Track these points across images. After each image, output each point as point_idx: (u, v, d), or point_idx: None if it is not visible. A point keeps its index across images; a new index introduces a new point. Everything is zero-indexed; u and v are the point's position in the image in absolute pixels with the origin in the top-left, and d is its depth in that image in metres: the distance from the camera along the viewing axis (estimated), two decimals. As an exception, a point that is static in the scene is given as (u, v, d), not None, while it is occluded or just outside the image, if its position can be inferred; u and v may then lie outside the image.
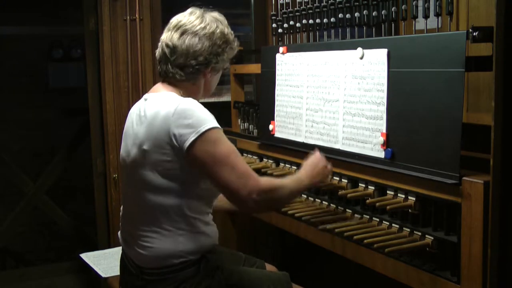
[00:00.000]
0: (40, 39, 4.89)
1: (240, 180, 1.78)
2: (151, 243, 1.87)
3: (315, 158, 2.07)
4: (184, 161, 1.80)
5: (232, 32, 2.02)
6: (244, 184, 1.78)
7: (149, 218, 1.88)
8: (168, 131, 1.80)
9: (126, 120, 2.03)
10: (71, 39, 4.97)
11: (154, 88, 2.00)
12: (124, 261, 2.03)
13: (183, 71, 1.93)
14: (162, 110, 1.83)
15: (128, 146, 1.96)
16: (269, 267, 2.35)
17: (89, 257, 2.77)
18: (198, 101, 1.98)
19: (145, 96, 1.99)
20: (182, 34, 1.91)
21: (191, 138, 1.77)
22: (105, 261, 2.68)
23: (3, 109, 4.79)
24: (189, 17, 1.95)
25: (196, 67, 1.92)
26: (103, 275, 2.55)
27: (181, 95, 1.94)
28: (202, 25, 1.93)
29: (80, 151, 4.66)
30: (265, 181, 1.85)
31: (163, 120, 1.81)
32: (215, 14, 2.00)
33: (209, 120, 1.81)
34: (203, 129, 1.78)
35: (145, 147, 1.85)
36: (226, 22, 2.01)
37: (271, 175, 2.50)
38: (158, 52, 1.99)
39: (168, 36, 1.94)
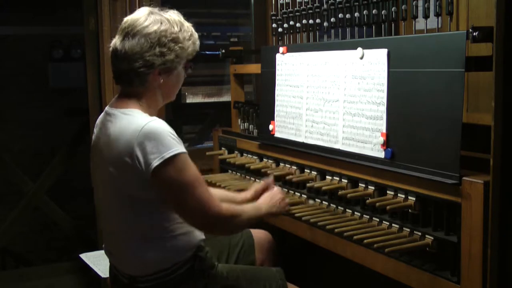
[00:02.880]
0: (40, 39, 4.89)
1: (203, 207, 1.79)
2: (137, 253, 1.86)
3: (274, 191, 2.17)
4: (147, 183, 1.77)
5: (189, 30, 1.91)
6: (207, 211, 1.80)
7: (128, 233, 1.87)
8: (131, 154, 1.74)
9: (94, 132, 1.97)
10: (71, 39, 4.97)
11: (115, 103, 1.92)
12: (114, 272, 2.01)
13: (128, 76, 1.84)
14: (126, 131, 1.77)
15: (95, 161, 1.94)
16: (255, 231, 2.37)
17: (89, 257, 2.77)
18: (159, 107, 1.95)
19: (108, 110, 1.91)
20: (124, 37, 1.84)
21: (155, 163, 1.73)
22: (105, 261, 2.67)
23: (3, 109, 4.79)
24: (134, 17, 1.87)
25: (140, 70, 1.82)
26: (103, 275, 2.55)
27: (141, 106, 1.87)
28: (145, 24, 1.82)
29: (80, 151, 4.66)
30: (226, 208, 1.86)
31: (127, 142, 1.76)
32: (167, 13, 1.89)
33: (174, 145, 1.76)
34: (167, 154, 1.74)
35: (110, 169, 1.81)
36: (179, 19, 1.89)
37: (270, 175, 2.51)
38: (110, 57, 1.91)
39: (114, 40, 1.88)
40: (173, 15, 1.90)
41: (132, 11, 3.22)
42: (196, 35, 1.95)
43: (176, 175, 1.75)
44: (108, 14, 3.26)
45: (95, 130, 1.96)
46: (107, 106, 1.94)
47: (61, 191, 4.77)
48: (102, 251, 2.86)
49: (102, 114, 1.95)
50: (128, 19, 1.88)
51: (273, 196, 2.13)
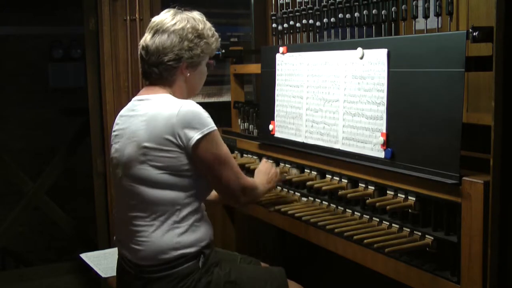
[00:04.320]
0: (40, 39, 4.89)
1: (236, 179, 1.99)
2: (148, 237, 1.92)
3: (265, 166, 2.31)
4: (188, 158, 1.90)
5: (212, 28, 2.08)
6: (239, 183, 2.00)
7: (146, 212, 1.93)
8: (173, 131, 1.88)
9: (115, 124, 2.07)
10: (71, 39, 4.97)
11: (144, 91, 2.05)
12: (121, 264, 2.05)
13: (157, 68, 1.99)
14: (164, 110, 1.90)
15: (121, 146, 1.99)
16: (264, 266, 2.36)
17: (89, 257, 2.77)
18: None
19: (138, 97, 2.04)
20: (154, 33, 2.00)
21: (196, 137, 1.88)
22: (105, 261, 2.68)
23: (3, 109, 4.80)
24: (161, 17, 2.04)
25: (169, 63, 1.98)
26: (103, 275, 2.55)
27: (170, 94, 2.01)
28: (172, 22, 1.99)
29: (80, 151, 4.66)
30: (250, 180, 2.09)
31: (166, 120, 1.88)
32: (191, 13, 2.06)
33: (211, 122, 1.93)
34: (207, 130, 1.90)
35: (146, 144, 1.90)
36: (203, 19, 2.06)
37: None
38: (138, 55, 2.08)
39: (143, 38, 2.04)
40: (196, 15, 2.07)
41: (132, 10, 3.28)
42: (217, 34, 2.12)
43: (214, 148, 1.92)
44: (108, 14, 3.26)
45: (118, 121, 2.07)
46: (134, 97, 2.06)
47: (61, 191, 4.78)
48: (102, 251, 2.88)
49: (129, 104, 2.07)
50: (155, 19, 2.05)
51: (267, 173, 2.26)
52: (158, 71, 1.99)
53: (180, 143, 1.88)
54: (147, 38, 2.02)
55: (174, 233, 1.91)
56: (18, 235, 4.81)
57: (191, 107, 1.91)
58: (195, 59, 2.02)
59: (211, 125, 1.91)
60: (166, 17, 2.02)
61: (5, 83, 4.78)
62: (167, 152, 1.89)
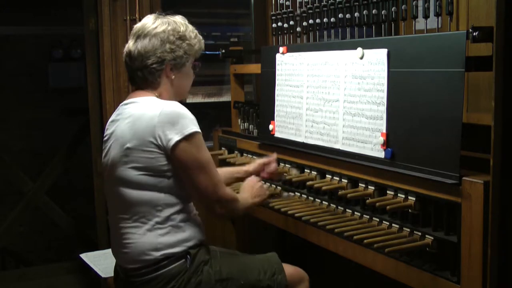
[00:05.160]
0: (40, 39, 4.89)
1: (213, 187, 1.95)
2: (132, 239, 1.92)
3: (251, 180, 2.25)
4: (167, 159, 1.89)
5: (194, 30, 2.09)
6: (215, 192, 1.96)
7: (128, 213, 1.93)
8: (153, 132, 1.88)
9: (105, 129, 2.08)
10: (71, 39, 4.97)
11: (131, 95, 2.06)
12: (116, 269, 2.08)
13: (142, 72, 2.01)
14: (148, 112, 1.91)
15: (108, 149, 2.01)
16: (287, 268, 2.33)
17: (89, 257, 2.77)
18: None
19: (124, 102, 2.05)
20: (136, 39, 2.02)
21: (176, 138, 1.87)
22: (105, 261, 2.68)
23: (4, 109, 4.79)
24: (143, 22, 2.06)
25: (152, 66, 1.99)
26: (103, 275, 2.55)
27: (157, 97, 2.01)
28: (153, 25, 2.01)
29: (80, 151, 4.66)
30: (229, 192, 2.04)
31: (148, 121, 1.89)
32: (173, 16, 2.07)
33: (193, 124, 1.92)
34: (187, 131, 1.89)
35: (128, 145, 1.91)
36: (185, 22, 2.08)
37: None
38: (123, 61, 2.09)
39: (127, 44, 2.06)
40: (178, 18, 2.08)
41: (132, 10, 3.28)
42: (200, 36, 2.12)
43: (194, 151, 1.90)
44: (108, 14, 3.26)
45: (108, 126, 2.07)
46: (121, 103, 2.07)
47: (61, 191, 4.78)
48: (102, 251, 2.88)
49: (118, 108, 2.07)
50: (137, 25, 2.07)
51: (253, 187, 2.21)
52: (143, 75, 2.00)
53: (160, 143, 1.87)
54: (130, 44, 2.03)
55: (156, 234, 1.92)
56: (18, 235, 4.81)
57: (173, 108, 1.90)
58: (178, 61, 2.02)
59: (193, 126, 1.90)
60: (147, 22, 2.03)
61: (5, 83, 4.77)
62: (147, 153, 1.89)
